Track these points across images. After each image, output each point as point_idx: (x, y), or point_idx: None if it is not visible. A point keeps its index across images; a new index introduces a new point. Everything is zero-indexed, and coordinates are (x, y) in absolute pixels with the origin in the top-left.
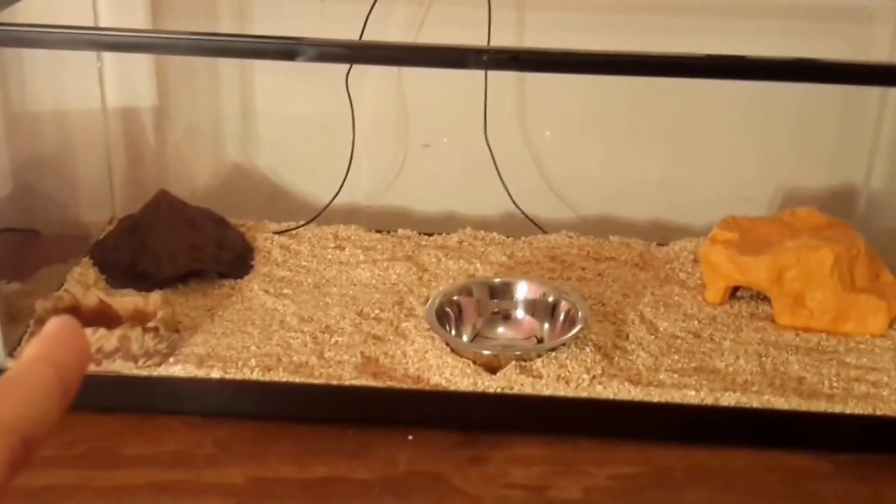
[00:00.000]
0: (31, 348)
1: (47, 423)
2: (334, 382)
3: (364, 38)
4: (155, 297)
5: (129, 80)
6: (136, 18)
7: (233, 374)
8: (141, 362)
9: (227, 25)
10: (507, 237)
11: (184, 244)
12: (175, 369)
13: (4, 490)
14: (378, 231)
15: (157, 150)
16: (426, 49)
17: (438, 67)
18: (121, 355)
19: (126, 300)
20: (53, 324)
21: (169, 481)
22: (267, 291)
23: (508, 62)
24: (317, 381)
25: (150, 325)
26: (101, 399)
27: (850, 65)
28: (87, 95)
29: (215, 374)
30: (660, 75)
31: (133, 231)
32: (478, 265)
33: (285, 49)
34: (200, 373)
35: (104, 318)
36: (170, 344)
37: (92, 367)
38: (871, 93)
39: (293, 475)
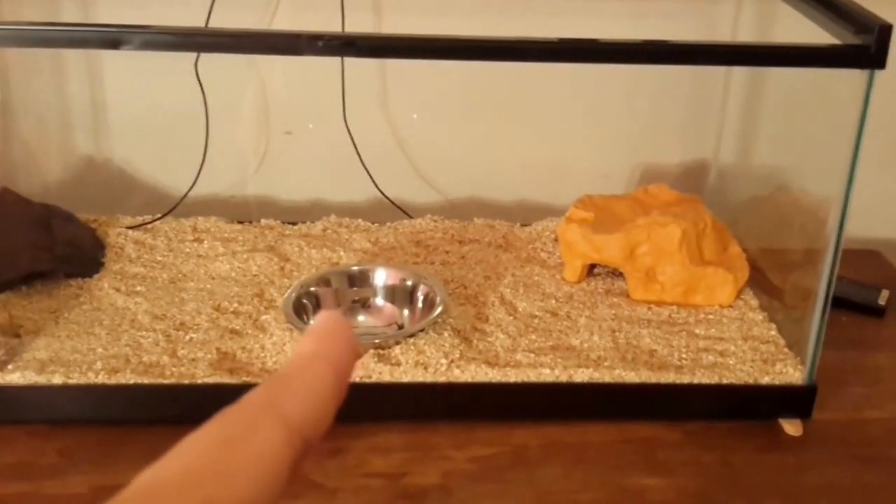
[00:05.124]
0: (306, 344)
1: (324, 425)
2: (186, 381)
3: (214, 22)
4: None
5: None
6: None
7: (76, 378)
8: None
9: (70, 12)
10: (373, 223)
11: (25, 244)
12: (14, 377)
13: (284, 490)
14: (240, 222)
15: (2, 146)
16: (258, 36)
17: (272, 55)
18: None
19: None
20: (323, 319)
21: (8, 495)
22: (118, 290)
23: (345, 48)
24: (167, 381)
25: None
26: None
27: (696, 46)
28: None
29: (57, 379)
30: (510, 60)
31: None
32: (341, 253)
33: (109, 38)
34: (41, 379)
35: None
36: (8, 350)
37: None
38: (718, 70)
39: None
